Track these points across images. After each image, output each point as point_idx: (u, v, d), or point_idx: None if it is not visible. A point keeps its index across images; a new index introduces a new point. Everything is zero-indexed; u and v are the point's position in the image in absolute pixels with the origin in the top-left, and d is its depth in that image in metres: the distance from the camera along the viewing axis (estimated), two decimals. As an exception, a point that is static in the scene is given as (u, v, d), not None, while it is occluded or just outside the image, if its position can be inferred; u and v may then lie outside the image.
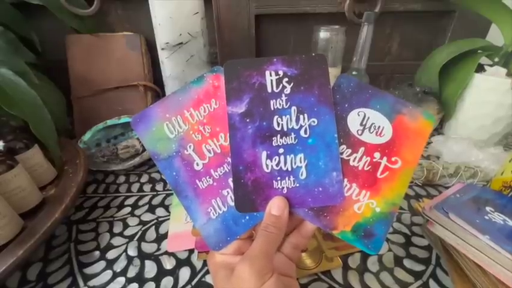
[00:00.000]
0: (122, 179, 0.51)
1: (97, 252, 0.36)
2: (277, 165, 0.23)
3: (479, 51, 0.56)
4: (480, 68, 0.55)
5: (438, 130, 0.65)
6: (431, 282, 0.32)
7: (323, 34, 0.54)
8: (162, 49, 0.55)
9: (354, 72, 0.52)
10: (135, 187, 0.49)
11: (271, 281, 0.20)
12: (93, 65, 0.62)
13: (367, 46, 0.49)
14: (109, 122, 0.56)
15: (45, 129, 0.43)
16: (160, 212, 0.43)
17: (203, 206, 0.24)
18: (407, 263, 0.34)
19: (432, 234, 0.34)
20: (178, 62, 0.57)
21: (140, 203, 0.45)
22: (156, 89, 0.65)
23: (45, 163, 0.43)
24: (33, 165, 0.41)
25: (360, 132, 0.23)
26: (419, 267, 0.34)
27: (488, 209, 0.32)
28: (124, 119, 0.57)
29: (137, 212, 0.43)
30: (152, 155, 0.24)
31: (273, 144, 0.23)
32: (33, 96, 0.42)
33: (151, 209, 0.44)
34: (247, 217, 0.23)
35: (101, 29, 0.64)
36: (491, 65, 0.56)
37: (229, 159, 0.23)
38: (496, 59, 0.56)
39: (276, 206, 0.22)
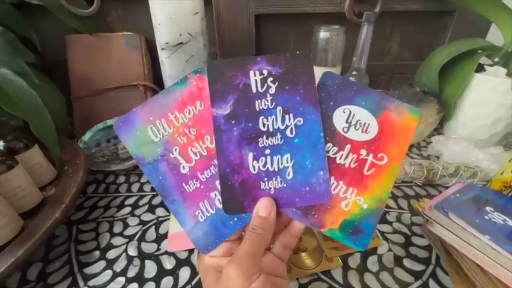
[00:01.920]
0: (122, 179, 0.51)
1: (97, 252, 0.36)
2: (264, 166, 0.23)
3: (479, 51, 0.56)
4: (480, 68, 0.55)
5: (438, 130, 0.65)
6: (431, 282, 0.32)
7: (323, 34, 0.54)
8: (162, 49, 0.55)
9: (354, 72, 0.52)
10: (135, 187, 0.49)
11: (258, 281, 0.20)
12: (93, 65, 0.62)
13: (367, 46, 0.49)
14: (109, 122, 0.56)
15: (45, 129, 0.43)
16: (160, 212, 0.43)
17: (191, 210, 0.24)
18: (407, 262, 0.34)
19: (432, 234, 0.34)
20: (178, 62, 0.57)
21: (140, 202, 0.45)
22: (156, 89, 0.65)
23: (45, 163, 0.43)
24: (33, 165, 0.41)
25: (346, 129, 0.23)
26: (419, 267, 0.34)
27: (488, 208, 0.32)
28: (124, 119, 0.57)
29: (137, 211, 0.43)
30: (137, 159, 0.24)
31: (259, 145, 0.23)
32: (33, 96, 0.42)
33: (151, 209, 0.44)
34: (235, 219, 0.23)
35: (101, 29, 0.64)
36: (491, 65, 0.56)
37: (216, 162, 0.23)
38: (496, 59, 0.56)
39: (263, 207, 0.22)
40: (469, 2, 0.56)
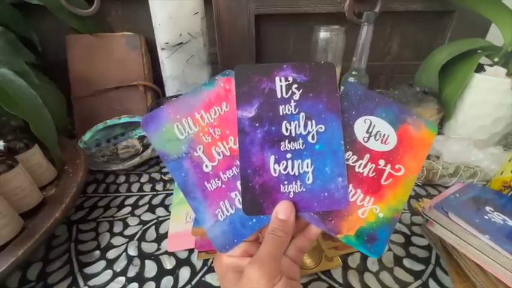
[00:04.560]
0: (122, 178, 0.51)
1: (97, 252, 0.36)
2: (284, 169, 0.23)
3: (479, 51, 0.56)
4: (480, 68, 0.55)
5: (438, 130, 0.64)
6: (431, 282, 0.32)
7: (323, 34, 0.54)
8: (162, 49, 0.55)
9: (354, 72, 0.52)
10: (135, 187, 0.49)
11: (280, 283, 0.20)
12: (93, 65, 0.62)
13: (367, 46, 0.49)
14: (109, 122, 0.56)
15: (46, 129, 0.43)
16: (160, 211, 0.43)
17: (211, 208, 0.24)
18: (406, 262, 0.34)
19: (432, 234, 0.34)
20: (178, 62, 0.57)
21: (140, 202, 0.45)
22: (156, 89, 0.65)
23: (45, 163, 0.43)
24: (34, 165, 0.41)
25: (366, 139, 0.24)
26: (418, 267, 0.34)
27: (487, 208, 0.32)
28: (124, 119, 0.57)
29: (137, 211, 0.43)
30: (162, 155, 0.24)
31: (281, 149, 0.24)
32: (34, 96, 0.42)
33: (151, 209, 0.44)
34: (254, 220, 0.24)
35: (101, 29, 0.64)
36: (491, 65, 0.56)
37: (238, 163, 0.24)
38: (496, 59, 0.56)
39: (282, 210, 0.23)
40: (468, 2, 0.56)
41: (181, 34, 0.54)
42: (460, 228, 0.30)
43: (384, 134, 0.24)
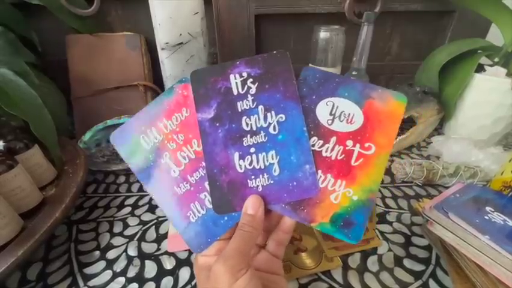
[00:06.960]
0: (122, 179, 0.51)
1: (97, 252, 0.36)
2: (250, 164, 0.24)
3: (479, 51, 0.56)
4: (480, 68, 0.56)
5: (438, 130, 0.65)
6: (431, 282, 0.32)
7: (323, 34, 0.54)
8: (162, 49, 0.55)
9: (354, 72, 0.52)
10: (135, 187, 0.49)
11: (244, 277, 0.20)
12: (93, 65, 0.62)
13: (367, 46, 0.49)
14: (109, 122, 0.56)
15: (46, 129, 0.43)
16: (160, 212, 0.43)
17: (183, 211, 0.25)
18: (407, 262, 0.34)
19: (432, 234, 0.34)
20: (178, 62, 0.57)
21: (140, 203, 0.45)
22: (156, 89, 0.65)
23: (45, 163, 0.43)
24: (33, 165, 0.41)
25: (330, 122, 0.23)
26: (419, 267, 0.34)
27: (488, 209, 0.32)
28: (124, 119, 0.57)
29: (137, 212, 0.43)
30: (131, 166, 0.25)
31: (244, 144, 0.24)
32: (34, 96, 0.42)
33: (151, 209, 0.44)
34: (226, 218, 0.24)
35: (101, 29, 0.64)
36: (491, 65, 0.56)
37: (204, 164, 0.24)
38: (496, 59, 0.56)
39: (251, 205, 0.23)
40: (468, 2, 0.56)
41: (181, 34, 0.54)
42: (460, 229, 0.30)
43: (349, 114, 0.23)
